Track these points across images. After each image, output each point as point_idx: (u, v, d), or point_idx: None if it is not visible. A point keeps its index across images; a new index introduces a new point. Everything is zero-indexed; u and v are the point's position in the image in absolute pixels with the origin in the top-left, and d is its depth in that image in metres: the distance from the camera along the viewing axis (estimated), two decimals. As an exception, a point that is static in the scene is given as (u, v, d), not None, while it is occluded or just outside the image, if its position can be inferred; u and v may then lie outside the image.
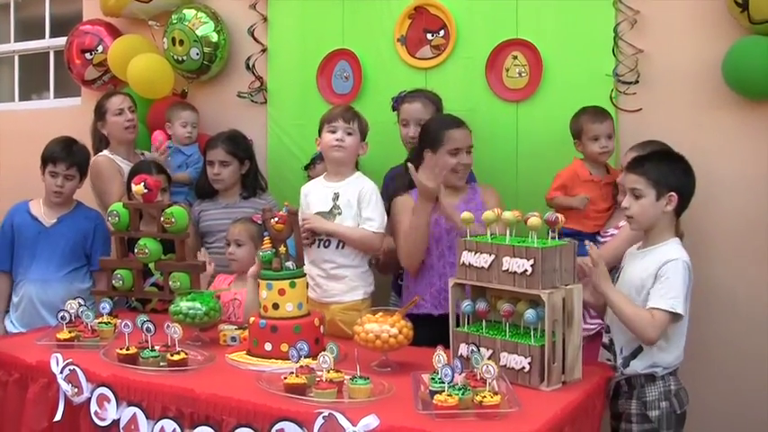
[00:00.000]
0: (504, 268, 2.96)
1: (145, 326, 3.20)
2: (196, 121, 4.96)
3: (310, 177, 4.32)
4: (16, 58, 6.68)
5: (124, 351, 3.18)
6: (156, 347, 3.19)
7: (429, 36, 4.54)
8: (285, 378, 2.77)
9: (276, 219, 3.44)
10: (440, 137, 3.70)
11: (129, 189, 4.17)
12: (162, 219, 3.87)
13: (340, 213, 3.73)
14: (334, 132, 3.74)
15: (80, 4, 6.00)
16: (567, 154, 3.95)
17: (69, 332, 3.50)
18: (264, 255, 3.37)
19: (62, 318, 3.56)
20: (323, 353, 2.79)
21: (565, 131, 3.94)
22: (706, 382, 3.84)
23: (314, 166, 4.50)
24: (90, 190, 4.66)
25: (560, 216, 3.02)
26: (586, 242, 3.25)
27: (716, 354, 3.92)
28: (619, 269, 3.27)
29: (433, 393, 2.60)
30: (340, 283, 3.72)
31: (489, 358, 2.87)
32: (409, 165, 3.65)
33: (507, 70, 4.35)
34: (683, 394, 3.15)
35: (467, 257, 3.09)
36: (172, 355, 3.13)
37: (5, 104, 6.74)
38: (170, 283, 3.90)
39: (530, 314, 2.88)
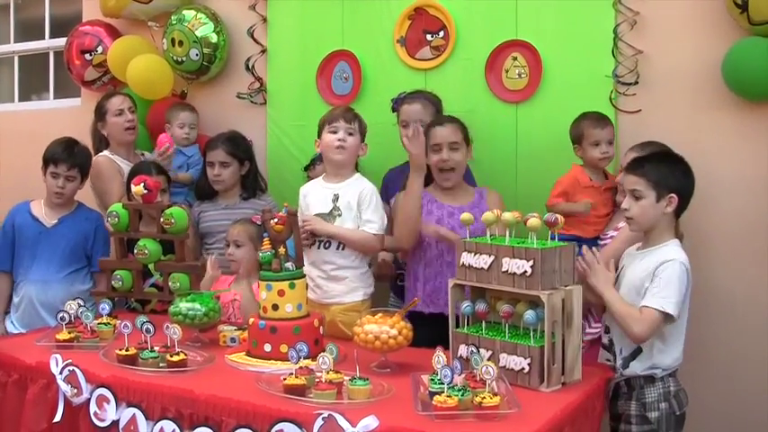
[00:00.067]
0: (503, 269, 2.96)
1: (144, 327, 3.20)
2: (194, 121, 4.96)
3: (310, 178, 4.32)
4: (16, 59, 6.68)
5: (124, 352, 3.18)
6: (156, 348, 3.19)
7: (429, 37, 4.54)
8: (284, 379, 2.77)
9: (276, 220, 3.44)
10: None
11: (128, 190, 4.17)
12: (161, 219, 3.88)
13: (340, 215, 3.73)
14: (335, 133, 3.74)
15: (80, 4, 6.00)
16: (567, 155, 3.95)
17: (69, 333, 3.50)
18: (264, 256, 3.37)
19: (61, 318, 3.56)
20: (322, 354, 2.79)
21: (564, 133, 3.93)
22: (705, 384, 3.85)
23: (314, 167, 4.50)
24: (91, 191, 4.66)
25: (560, 217, 3.02)
26: (584, 248, 3.24)
27: (715, 355, 3.92)
28: (619, 270, 3.26)
29: (432, 394, 2.60)
30: (340, 284, 3.72)
31: (489, 359, 2.87)
32: (404, 140, 3.71)
33: (507, 71, 4.35)
34: (683, 395, 3.15)
35: (466, 258, 3.09)
36: (171, 356, 3.13)
37: (5, 105, 6.74)
38: (169, 283, 3.91)
39: (529, 315, 2.88)
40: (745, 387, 3.88)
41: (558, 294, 2.89)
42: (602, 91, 4.09)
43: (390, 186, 4.14)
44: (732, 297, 3.91)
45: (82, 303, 3.67)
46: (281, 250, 3.37)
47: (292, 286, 3.28)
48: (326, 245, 3.73)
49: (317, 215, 3.74)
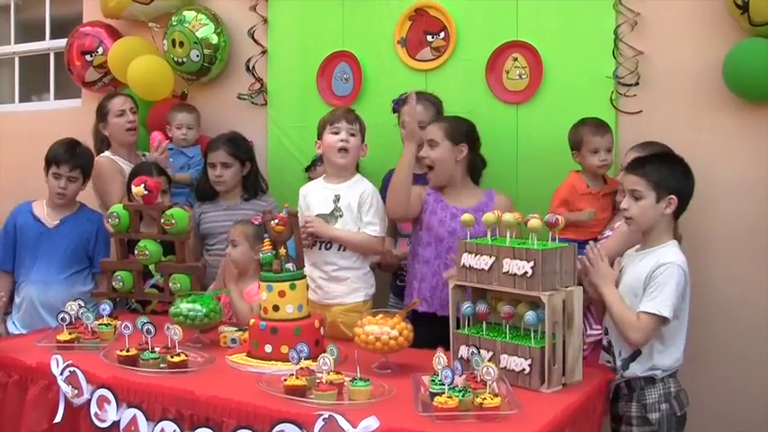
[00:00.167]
0: (504, 270, 2.96)
1: (145, 327, 3.20)
2: (193, 122, 4.95)
3: (311, 179, 4.32)
4: (17, 60, 6.68)
5: (124, 353, 3.18)
6: (157, 349, 3.19)
7: (429, 38, 4.53)
8: (285, 380, 2.77)
9: (276, 220, 3.44)
10: None
11: (129, 191, 4.17)
12: (162, 220, 3.88)
13: (341, 215, 3.73)
14: (337, 133, 3.75)
15: (80, 5, 6.00)
16: (567, 157, 3.94)
17: (69, 334, 3.51)
18: (265, 257, 3.37)
19: (62, 319, 3.56)
20: (323, 355, 2.79)
21: (565, 134, 3.93)
22: (705, 384, 3.84)
23: (314, 167, 4.50)
24: (91, 191, 4.66)
25: (560, 218, 3.03)
26: (590, 244, 3.25)
27: (715, 356, 3.91)
28: (619, 271, 3.26)
29: (433, 395, 2.60)
30: (341, 284, 3.72)
31: (489, 360, 2.88)
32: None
33: (507, 72, 4.34)
34: (683, 396, 3.15)
35: (467, 259, 3.09)
36: (172, 357, 3.13)
37: (6, 106, 6.74)
38: (170, 284, 3.91)
39: (530, 316, 2.88)
40: (745, 388, 3.88)
41: (558, 295, 2.89)
42: (603, 92, 4.09)
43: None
44: (732, 298, 3.90)
45: (82, 304, 3.68)
46: (282, 251, 3.37)
47: (293, 287, 3.28)
48: (328, 246, 3.74)
49: (318, 216, 3.75)
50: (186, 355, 3.17)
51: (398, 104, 4.18)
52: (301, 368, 2.83)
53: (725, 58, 3.78)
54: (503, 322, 3.02)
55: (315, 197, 3.83)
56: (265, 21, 5.07)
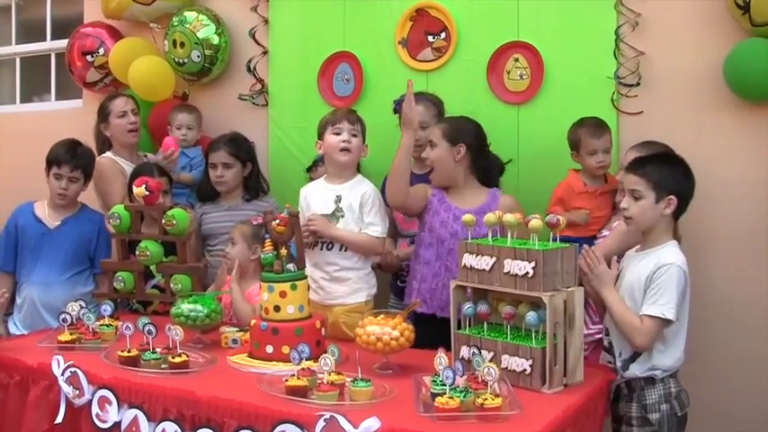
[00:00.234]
0: (505, 271, 2.96)
1: (146, 328, 3.20)
2: (193, 122, 4.94)
3: (312, 179, 4.32)
4: (18, 61, 6.67)
5: (125, 353, 3.18)
6: (158, 350, 3.19)
7: (430, 38, 4.54)
8: (286, 380, 2.77)
9: (277, 221, 3.44)
10: None
11: (130, 191, 4.17)
12: (163, 221, 3.88)
13: (343, 216, 3.74)
14: (339, 134, 3.75)
15: (81, 6, 6.00)
16: (568, 157, 3.95)
17: (71, 334, 3.51)
18: (266, 257, 3.38)
19: (63, 320, 3.57)
20: (324, 355, 2.79)
21: (566, 134, 3.93)
22: (706, 384, 3.84)
23: (315, 168, 4.50)
24: (93, 192, 4.66)
25: (561, 218, 3.03)
26: (584, 247, 3.24)
27: (715, 356, 3.91)
28: (618, 272, 3.26)
29: (434, 396, 2.60)
30: (343, 285, 3.72)
31: (491, 361, 2.88)
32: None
33: (508, 73, 4.35)
34: (684, 396, 3.15)
35: (468, 260, 3.09)
36: (173, 358, 3.13)
37: (7, 106, 6.73)
38: (171, 285, 3.91)
39: (531, 316, 2.88)
40: (746, 388, 3.88)
41: (559, 296, 2.89)
42: (604, 92, 4.09)
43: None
44: (732, 298, 3.91)
45: (84, 305, 3.68)
46: (283, 251, 3.37)
47: (294, 287, 3.29)
48: (329, 246, 3.74)
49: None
50: (187, 356, 3.17)
51: (399, 105, 4.17)
52: (302, 369, 2.82)
53: (726, 59, 3.78)
54: (504, 323, 3.02)
55: (316, 198, 3.83)
56: (266, 21, 5.07)
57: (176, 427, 2.81)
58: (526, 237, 3.04)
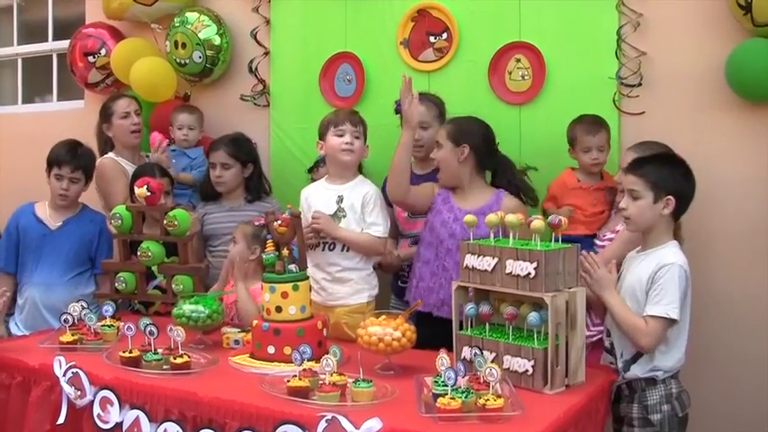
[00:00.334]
0: (507, 271, 2.96)
1: (148, 329, 3.20)
2: (194, 123, 4.94)
3: (313, 180, 4.32)
4: (19, 61, 6.68)
5: (127, 354, 3.18)
6: (159, 350, 3.20)
7: (432, 39, 4.53)
8: (288, 381, 2.77)
9: (279, 222, 3.44)
10: None
11: (131, 192, 4.17)
12: (165, 222, 3.88)
13: (344, 216, 3.74)
14: (341, 136, 3.75)
15: (83, 7, 6.00)
16: (570, 157, 3.96)
17: (72, 335, 3.51)
18: (267, 258, 3.37)
19: (65, 321, 3.57)
20: (326, 356, 2.79)
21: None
22: (708, 385, 3.84)
23: (317, 169, 4.50)
24: (94, 193, 4.66)
25: (563, 219, 3.02)
26: (582, 253, 3.24)
27: (717, 356, 3.91)
28: (620, 273, 3.26)
29: (436, 396, 2.61)
30: (345, 286, 3.72)
31: (492, 361, 2.88)
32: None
33: (510, 73, 4.34)
34: (685, 397, 3.15)
35: (470, 260, 3.09)
36: (175, 358, 3.13)
37: (9, 107, 6.74)
38: (173, 285, 3.92)
39: (533, 317, 2.88)
40: (746, 388, 3.88)
41: (561, 296, 2.89)
42: (606, 93, 4.09)
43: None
44: (734, 298, 3.90)
45: (85, 305, 3.68)
46: (285, 252, 3.37)
47: (296, 288, 3.29)
48: (331, 246, 3.74)
49: (322, 216, 3.76)
50: (189, 357, 3.17)
51: (401, 105, 4.18)
52: (304, 369, 2.82)
53: (727, 59, 3.78)
54: (506, 323, 3.02)
55: (317, 198, 3.83)
56: (268, 22, 5.07)
57: (178, 428, 2.81)
58: (528, 237, 3.04)
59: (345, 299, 3.72)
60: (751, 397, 3.86)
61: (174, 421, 2.82)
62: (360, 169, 4.04)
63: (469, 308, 3.08)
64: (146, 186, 3.93)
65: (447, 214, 3.70)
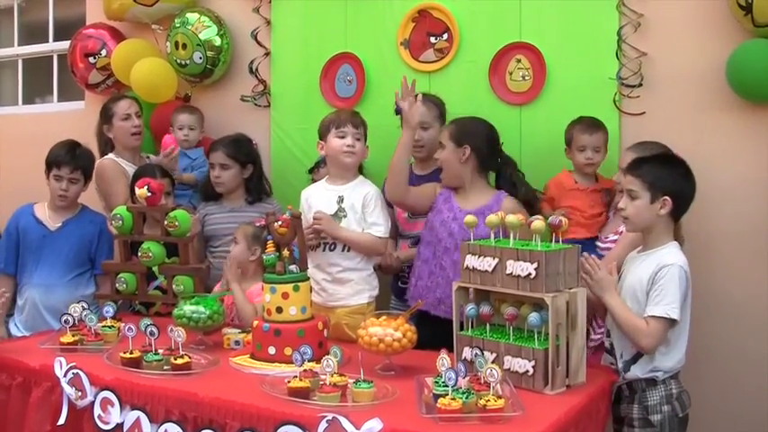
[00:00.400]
0: (507, 272, 2.96)
1: (148, 329, 3.21)
2: (195, 123, 4.94)
3: (314, 181, 4.32)
4: (20, 62, 6.68)
5: (128, 355, 3.18)
6: (160, 351, 3.20)
7: (432, 39, 4.53)
8: (289, 382, 2.77)
9: (279, 222, 3.44)
10: None
11: (132, 193, 4.18)
12: (165, 222, 3.88)
13: (345, 216, 3.74)
14: (343, 138, 3.75)
15: (83, 7, 6.01)
16: (566, 157, 3.96)
17: (73, 336, 3.51)
18: (268, 258, 3.38)
19: (65, 321, 3.57)
20: (326, 356, 2.79)
21: (567, 134, 3.95)
22: (708, 385, 3.84)
23: (318, 169, 4.49)
24: (94, 193, 4.66)
25: (564, 219, 3.02)
26: (584, 255, 3.24)
27: (717, 357, 3.91)
28: (620, 274, 3.26)
29: (436, 397, 2.61)
30: (345, 286, 3.72)
31: (493, 362, 2.89)
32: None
33: (511, 74, 4.34)
34: (686, 397, 3.15)
35: (470, 261, 3.09)
36: (175, 359, 3.13)
37: (9, 108, 6.74)
38: (174, 286, 3.92)
39: (533, 317, 2.88)
40: (748, 388, 3.88)
41: (562, 297, 2.89)
42: (606, 93, 4.08)
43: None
44: (734, 299, 3.90)
45: (86, 306, 3.68)
46: (285, 253, 3.37)
47: (296, 289, 3.29)
48: (332, 247, 3.74)
49: (323, 217, 3.76)
50: (190, 357, 3.17)
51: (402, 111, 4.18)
52: (305, 370, 2.82)
53: (728, 60, 3.77)
54: (506, 324, 3.02)
55: (317, 199, 3.83)
56: (268, 23, 5.07)
57: (178, 429, 2.81)
58: (528, 238, 3.04)
59: (346, 299, 3.72)
60: (751, 397, 3.86)
61: (174, 422, 2.82)
62: (360, 170, 4.04)
63: (470, 308, 3.08)
64: (146, 187, 3.93)
65: (447, 213, 3.71)
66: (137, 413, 2.91)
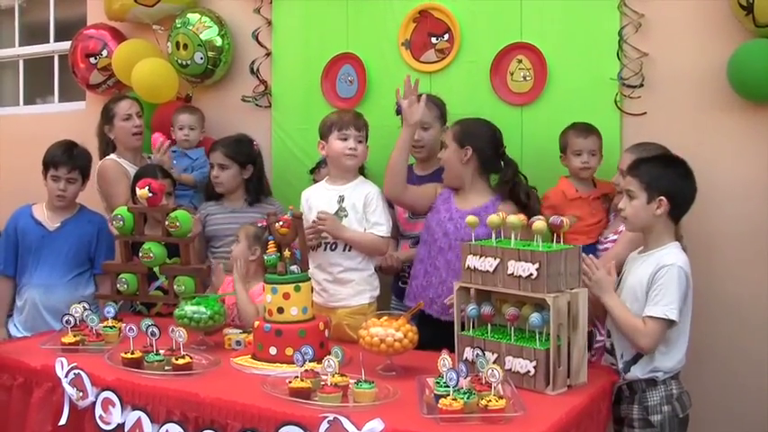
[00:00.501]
0: (509, 272, 2.96)
1: (149, 330, 3.21)
2: (195, 123, 4.94)
3: (315, 181, 4.32)
4: (21, 63, 6.68)
5: (129, 355, 3.18)
6: (161, 351, 3.20)
7: (433, 40, 4.53)
8: (290, 382, 2.77)
9: (281, 223, 3.44)
10: None
11: (133, 193, 4.18)
12: (166, 222, 3.88)
13: (346, 215, 3.74)
14: (345, 140, 3.75)
15: (84, 8, 6.01)
16: (561, 164, 3.97)
17: (74, 336, 3.51)
18: (269, 259, 3.38)
19: (67, 322, 3.57)
20: (328, 357, 2.79)
21: (569, 136, 3.94)
22: (708, 386, 3.84)
23: (319, 170, 4.49)
24: (94, 193, 4.66)
25: (565, 220, 3.02)
26: (583, 254, 3.24)
27: (718, 357, 3.91)
28: (621, 274, 3.26)
29: (437, 397, 2.60)
30: (346, 287, 3.73)
31: (494, 362, 2.89)
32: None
33: (512, 74, 4.34)
34: (686, 398, 3.15)
35: (472, 261, 3.08)
36: (176, 359, 3.13)
37: (10, 108, 6.75)
38: (175, 286, 3.91)
39: (535, 318, 2.88)
40: (748, 389, 3.87)
41: (563, 297, 2.89)
42: (607, 93, 4.08)
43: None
44: (735, 299, 3.90)
45: (87, 306, 3.68)
46: (287, 253, 3.37)
47: (297, 289, 3.29)
48: (333, 246, 3.74)
49: (321, 218, 3.76)
50: (191, 358, 3.17)
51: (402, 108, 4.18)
52: (306, 370, 2.82)
53: (729, 60, 3.77)
54: (507, 324, 3.02)
55: (318, 200, 3.83)
56: (269, 23, 5.07)
57: (180, 429, 2.81)
58: (529, 238, 3.04)
59: (347, 300, 3.72)
60: (752, 398, 3.85)
61: (175, 422, 2.83)
62: (362, 171, 4.04)
63: (471, 309, 3.08)
64: (147, 187, 3.93)
65: (444, 213, 3.72)
66: (138, 413, 2.91)
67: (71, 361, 3.17)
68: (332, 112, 4.06)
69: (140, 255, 3.94)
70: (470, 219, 3.21)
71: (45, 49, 6.48)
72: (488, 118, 3.88)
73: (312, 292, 3.45)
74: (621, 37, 4.05)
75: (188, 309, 3.51)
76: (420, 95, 3.73)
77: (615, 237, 3.69)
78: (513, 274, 2.94)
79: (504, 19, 4.34)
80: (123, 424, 2.94)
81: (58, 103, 6.46)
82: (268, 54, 5.09)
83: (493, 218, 3.09)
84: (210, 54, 5.09)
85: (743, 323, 3.89)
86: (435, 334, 3.26)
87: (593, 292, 3.12)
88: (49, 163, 4.29)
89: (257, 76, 5.12)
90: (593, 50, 4.13)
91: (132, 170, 4.57)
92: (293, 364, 2.91)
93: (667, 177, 3.11)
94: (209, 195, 4.59)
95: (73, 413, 3.13)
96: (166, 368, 3.13)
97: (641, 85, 4.02)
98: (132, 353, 3.19)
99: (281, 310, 3.27)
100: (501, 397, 2.58)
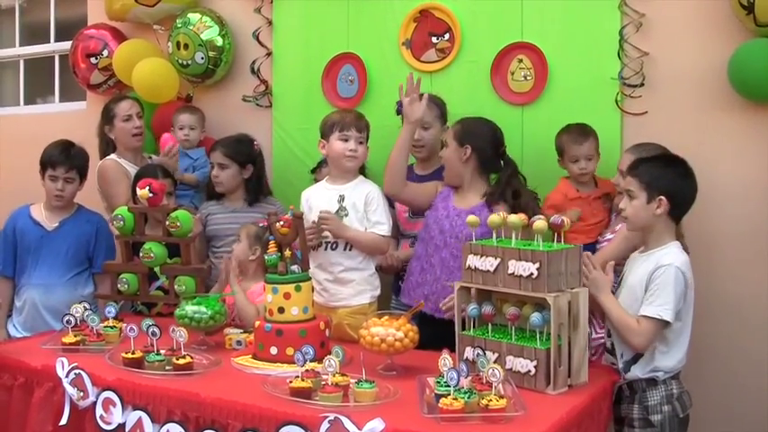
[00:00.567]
0: (509, 272, 2.96)
1: (150, 330, 3.21)
2: (195, 123, 4.95)
3: (316, 181, 4.32)
4: (21, 63, 6.69)
5: (129, 355, 3.18)
6: (162, 351, 3.20)
7: (434, 39, 4.53)
8: (290, 382, 2.77)
9: (281, 222, 3.44)
10: None
11: (134, 193, 4.18)
12: (167, 222, 3.88)
13: (346, 214, 3.74)
14: (346, 141, 3.74)
15: (85, 8, 6.01)
16: (559, 167, 3.97)
17: (75, 336, 3.51)
18: (270, 259, 3.38)
19: (67, 322, 3.56)
20: (328, 356, 2.79)
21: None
22: (709, 386, 3.84)
23: (320, 169, 4.49)
24: (93, 193, 4.66)
25: (566, 219, 3.02)
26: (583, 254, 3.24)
27: (719, 357, 3.91)
28: (621, 274, 3.26)
29: (438, 397, 2.60)
30: (347, 287, 3.72)
31: (495, 362, 2.89)
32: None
33: (512, 74, 4.34)
34: (686, 398, 3.15)
35: (472, 261, 3.08)
36: (177, 359, 3.13)
37: (11, 108, 6.75)
38: (175, 286, 3.92)
39: (535, 317, 2.88)
40: (748, 389, 3.87)
41: (564, 297, 2.89)
42: (608, 93, 4.08)
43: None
44: (735, 299, 3.89)
45: (88, 306, 3.68)
46: (287, 253, 3.37)
47: (298, 289, 3.29)
48: (334, 246, 3.74)
49: (322, 216, 3.76)
50: (191, 358, 3.17)
51: (402, 106, 4.18)
52: (307, 370, 2.82)
53: (730, 59, 3.77)
54: (508, 324, 3.01)
55: (318, 199, 3.83)
56: (270, 23, 5.07)
57: (180, 429, 2.81)
58: (530, 238, 3.04)
59: (347, 300, 3.72)
60: (752, 398, 3.85)
61: (176, 422, 2.83)
62: (362, 171, 4.04)
63: (472, 308, 3.08)
64: (148, 187, 3.93)
65: (442, 211, 3.72)
66: (139, 413, 2.91)
67: (72, 361, 3.17)
68: (334, 112, 4.06)
69: (141, 255, 3.94)
70: (471, 218, 3.21)
71: (45, 49, 6.49)
72: (489, 117, 3.88)
73: (313, 291, 3.45)
74: (622, 36, 4.05)
75: (189, 309, 3.51)
76: (422, 95, 3.73)
77: (612, 236, 3.69)
78: (513, 273, 2.94)
79: (504, 19, 4.34)
80: (124, 424, 2.94)
81: (58, 103, 6.47)
82: (269, 54, 5.09)
83: (494, 217, 3.09)
84: (211, 54, 5.09)
85: (743, 323, 3.89)
86: (436, 334, 3.26)
87: (590, 291, 3.12)
88: (46, 163, 4.29)
89: (258, 76, 5.12)
90: (594, 50, 4.13)
91: (133, 170, 4.57)
92: (294, 363, 2.90)
93: (667, 177, 3.11)
94: (209, 195, 4.59)
95: (74, 413, 3.13)
96: (167, 368, 3.13)
97: (642, 85, 4.02)
98: (133, 353, 3.19)
99: (281, 310, 3.27)
100: (502, 396, 2.58)
